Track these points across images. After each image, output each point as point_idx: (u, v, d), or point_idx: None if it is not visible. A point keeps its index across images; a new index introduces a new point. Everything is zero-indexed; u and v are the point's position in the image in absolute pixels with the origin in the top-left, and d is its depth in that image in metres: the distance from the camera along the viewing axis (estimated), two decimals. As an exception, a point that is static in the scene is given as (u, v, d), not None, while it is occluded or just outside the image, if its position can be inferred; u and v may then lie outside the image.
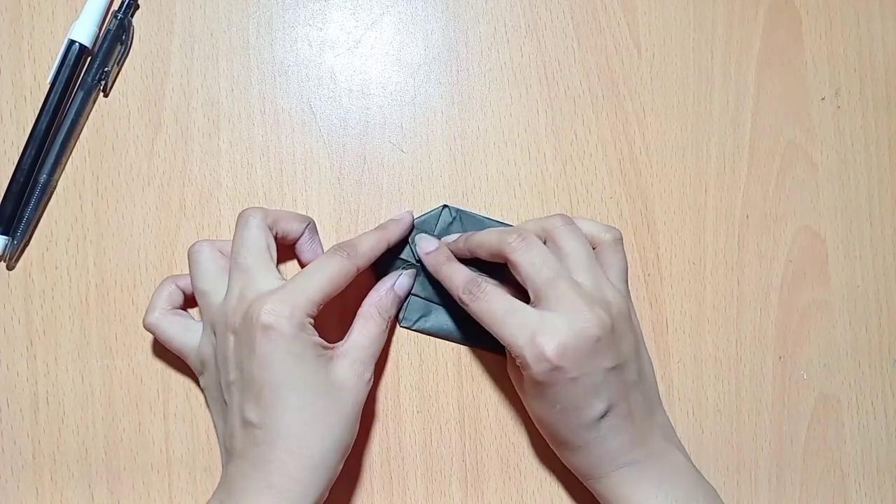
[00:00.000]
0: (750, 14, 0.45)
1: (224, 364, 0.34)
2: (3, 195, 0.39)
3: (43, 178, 0.40)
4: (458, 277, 0.36)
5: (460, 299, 0.36)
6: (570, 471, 0.41)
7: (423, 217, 0.41)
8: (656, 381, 0.39)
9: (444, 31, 0.43)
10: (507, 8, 0.43)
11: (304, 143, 0.42)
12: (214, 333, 0.35)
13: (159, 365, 0.40)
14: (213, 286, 0.36)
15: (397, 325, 0.41)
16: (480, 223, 0.41)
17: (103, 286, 0.40)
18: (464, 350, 0.41)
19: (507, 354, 0.38)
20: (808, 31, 0.45)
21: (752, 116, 0.44)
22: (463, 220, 0.41)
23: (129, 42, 0.41)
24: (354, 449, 0.38)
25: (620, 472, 0.35)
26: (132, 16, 0.41)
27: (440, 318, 0.41)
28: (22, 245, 0.40)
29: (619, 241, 0.39)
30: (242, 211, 0.37)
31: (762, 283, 0.43)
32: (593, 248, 0.38)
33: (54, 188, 0.40)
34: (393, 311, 0.39)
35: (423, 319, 0.41)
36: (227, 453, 0.35)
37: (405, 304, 0.41)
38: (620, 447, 0.35)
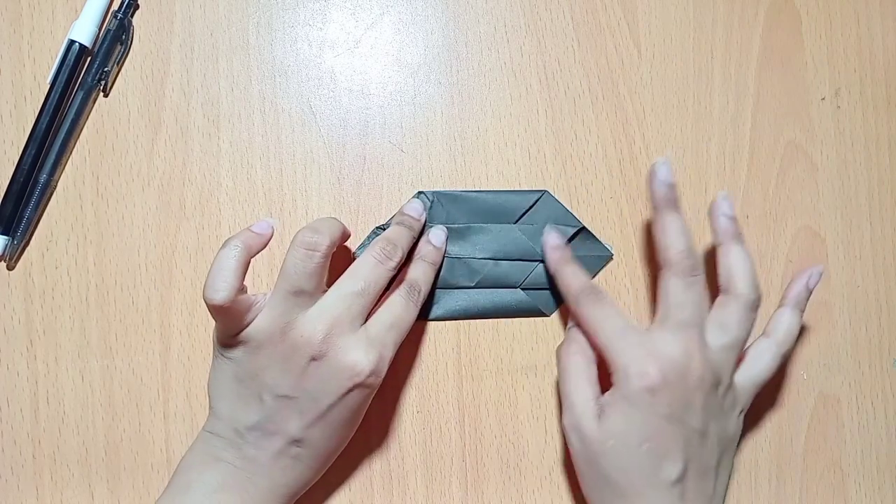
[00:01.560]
0: (750, 14, 0.45)
1: (284, 374, 0.34)
2: (3, 195, 0.39)
3: (43, 178, 0.40)
4: (576, 283, 0.38)
5: (572, 303, 0.38)
6: (569, 471, 0.41)
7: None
8: (726, 493, 0.38)
9: (444, 31, 0.43)
10: (507, 8, 0.43)
11: (304, 143, 0.42)
12: (285, 332, 0.34)
13: (159, 365, 0.40)
14: (312, 288, 0.34)
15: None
16: (460, 198, 0.42)
17: (103, 286, 0.40)
18: (464, 350, 0.41)
19: (561, 406, 0.37)
20: (808, 31, 0.45)
21: (752, 116, 0.44)
22: (441, 200, 0.42)
23: (129, 42, 0.41)
24: (355, 449, 0.38)
25: None
26: (132, 16, 0.41)
27: (448, 302, 0.41)
28: (22, 245, 0.40)
29: (782, 354, 0.38)
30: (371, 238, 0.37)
31: (762, 283, 0.43)
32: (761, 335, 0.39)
33: (54, 188, 0.40)
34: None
35: (434, 308, 0.41)
36: (238, 435, 0.35)
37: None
38: None
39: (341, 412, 0.35)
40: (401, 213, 0.40)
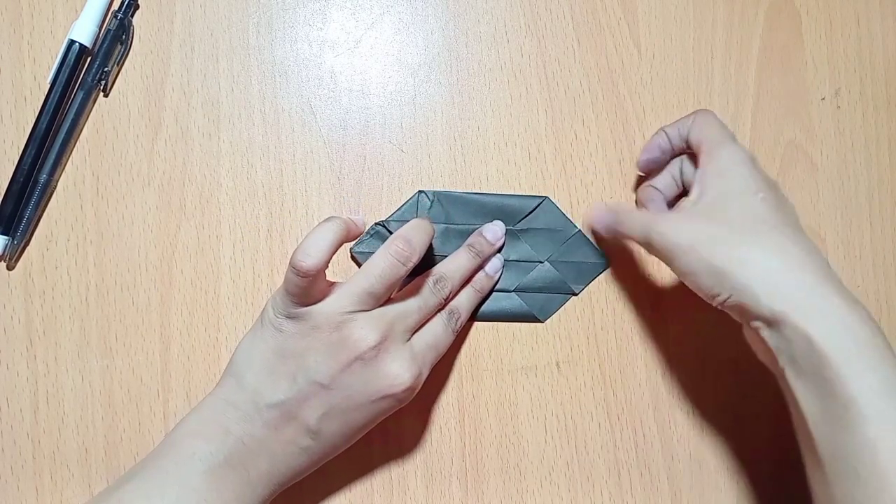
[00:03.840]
0: (750, 14, 0.45)
1: (327, 362, 0.34)
2: (3, 195, 0.39)
3: (43, 178, 0.39)
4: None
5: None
6: (569, 471, 0.41)
7: (401, 209, 0.41)
8: None
9: (444, 31, 0.43)
10: (507, 8, 0.43)
11: (304, 143, 0.42)
12: (342, 325, 0.34)
13: (159, 365, 0.40)
14: (384, 294, 0.35)
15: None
16: (460, 199, 0.42)
17: (103, 286, 0.40)
18: (464, 350, 0.41)
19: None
20: (808, 31, 0.45)
21: (752, 116, 0.44)
22: (441, 200, 0.42)
23: (129, 42, 0.41)
24: (355, 449, 0.38)
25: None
26: (132, 16, 0.41)
27: None
28: (22, 245, 0.40)
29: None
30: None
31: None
32: None
33: (54, 188, 0.40)
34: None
35: None
36: (256, 411, 0.34)
37: None
38: None
39: (364, 416, 0.35)
40: (478, 234, 0.41)
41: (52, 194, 0.40)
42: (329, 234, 0.33)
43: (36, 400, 0.39)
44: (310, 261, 0.32)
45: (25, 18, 0.41)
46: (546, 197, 0.42)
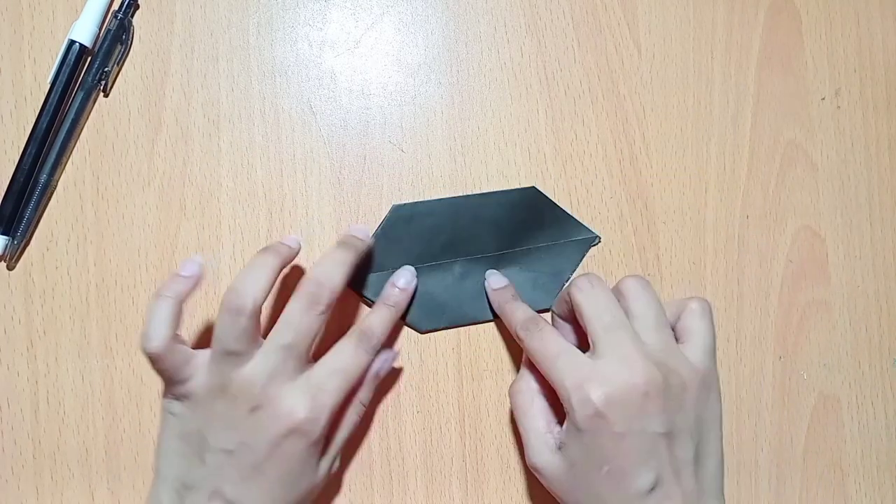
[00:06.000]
0: (750, 14, 0.45)
1: (225, 428, 0.33)
2: (3, 195, 0.39)
3: (43, 178, 0.40)
4: (520, 314, 0.37)
5: (517, 335, 0.36)
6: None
7: (380, 227, 0.41)
8: (721, 475, 0.35)
9: (444, 31, 0.43)
10: (507, 8, 0.43)
11: (304, 143, 0.42)
12: (225, 389, 0.34)
13: (159, 365, 0.40)
14: (243, 348, 0.33)
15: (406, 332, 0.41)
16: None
17: (103, 286, 0.40)
18: (464, 350, 0.41)
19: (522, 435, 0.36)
20: (808, 31, 0.45)
21: (752, 116, 0.44)
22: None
23: (129, 42, 0.41)
24: (355, 449, 0.38)
25: None
26: (132, 16, 0.41)
27: (452, 313, 0.41)
28: (22, 245, 0.40)
29: (706, 310, 0.36)
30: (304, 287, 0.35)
31: (762, 283, 0.43)
32: (677, 320, 0.36)
33: (54, 188, 0.40)
34: (370, 396, 0.38)
35: (436, 319, 0.41)
36: (179, 498, 0.34)
37: (413, 305, 0.40)
38: None
39: (277, 465, 0.33)
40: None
41: (52, 194, 0.40)
42: (162, 312, 0.33)
43: (36, 400, 0.39)
44: (153, 343, 0.33)
45: (25, 18, 0.41)
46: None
